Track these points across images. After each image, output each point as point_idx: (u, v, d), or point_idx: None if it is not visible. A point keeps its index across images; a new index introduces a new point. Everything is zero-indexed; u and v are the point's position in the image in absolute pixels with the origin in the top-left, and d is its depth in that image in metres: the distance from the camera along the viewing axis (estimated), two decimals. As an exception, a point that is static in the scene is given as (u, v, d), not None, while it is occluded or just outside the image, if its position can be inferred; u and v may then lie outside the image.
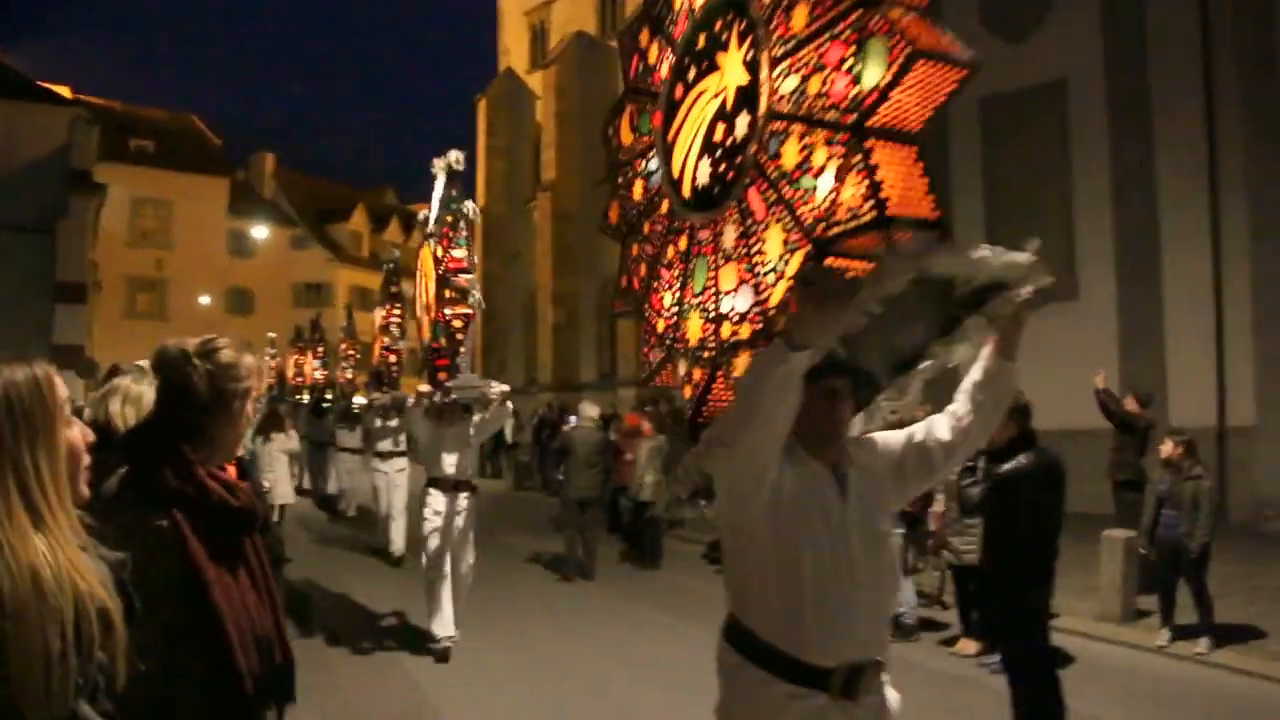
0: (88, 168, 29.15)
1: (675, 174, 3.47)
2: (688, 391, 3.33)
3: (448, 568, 8.19)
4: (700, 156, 3.30)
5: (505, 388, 8.60)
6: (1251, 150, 14.89)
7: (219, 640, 2.03)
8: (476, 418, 8.47)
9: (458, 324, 8.55)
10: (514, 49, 40.82)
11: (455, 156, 9.05)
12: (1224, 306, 15.36)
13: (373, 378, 14.98)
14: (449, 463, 8.30)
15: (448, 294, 8.62)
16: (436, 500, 8.24)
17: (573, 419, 14.41)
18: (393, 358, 14.08)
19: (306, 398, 21.22)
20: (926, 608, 9.53)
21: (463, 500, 8.30)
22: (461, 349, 8.58)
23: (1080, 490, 14.75)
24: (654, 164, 3.69)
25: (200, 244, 44.06)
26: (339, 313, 46.38)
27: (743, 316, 3.01)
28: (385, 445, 13.51)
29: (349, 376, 17.73)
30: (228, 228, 46.63)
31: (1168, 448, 8.25)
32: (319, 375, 21.15)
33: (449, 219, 8.85)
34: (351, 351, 18.41)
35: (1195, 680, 7.45)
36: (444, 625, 8.08)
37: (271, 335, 26.68)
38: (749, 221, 3.00)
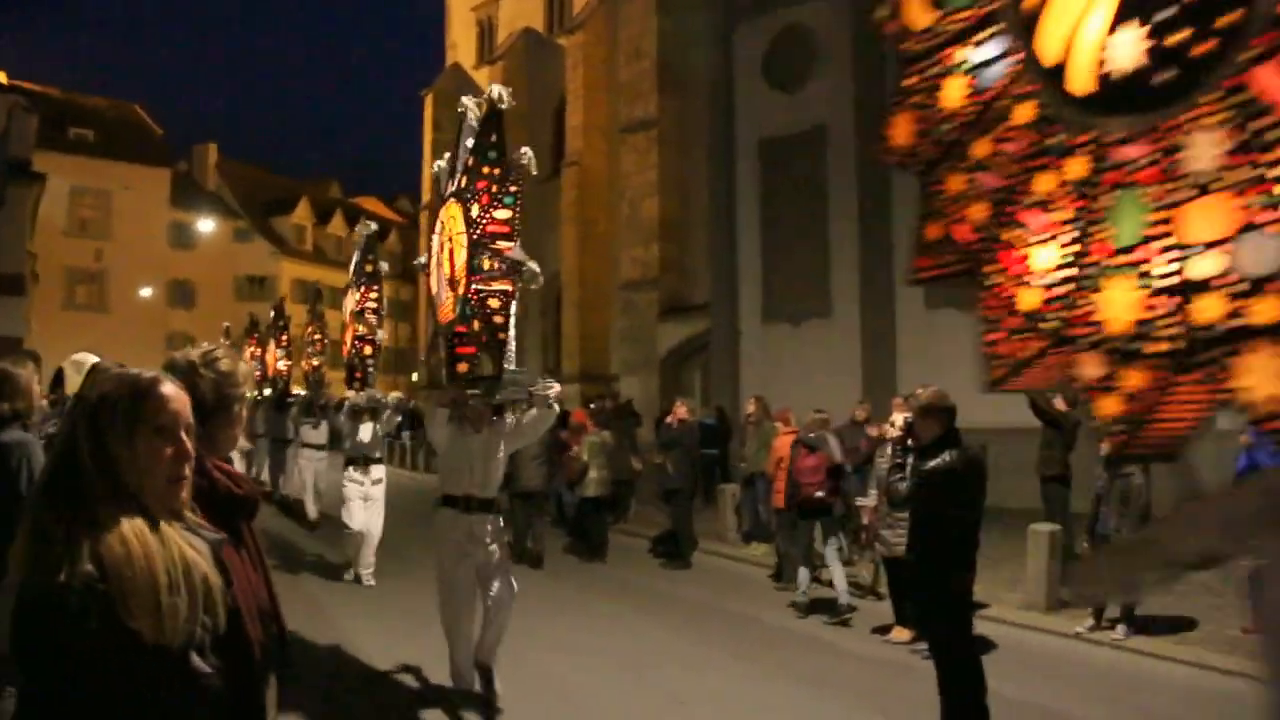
0: (26, 156, 28.74)
1: (1054, 57, 2.38)
2: (1112, 405, 2.40)
3: (466, 612, 6.78)
4: (1119, 21, 2.19)
5: (557, 387, 6.90)
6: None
7: (236, 612, 2.24)
8: (510, 419, 6.99)
9: (494, 303, 6.44)
10: (461, 44, 40.89)
11: (499, 92, 6.57)
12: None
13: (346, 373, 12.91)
14: (473, 477, 6.68)
15: (487, 264, 6.48)
16: (452, 524, 6.70)
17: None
18: (368, 349, 12.01)
19: (267, 391, 19.37)
20: (861, 598, 9.90)
21: (485, 526, 6.71)
22: (502, 334, 6.47)
23: (1010, 486, 15.34)
24: (989, 49, 2.60)
25: (141, 235, 43.35)
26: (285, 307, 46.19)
27: (1257, 284, 1.98)
28: (360, 452, 11.47)
29: (315, 364, 16.36)
30: (169, 219, 45.95)
31: (1108, 446, 8.60)
32: (282, 366, 19.18)
33: (489, 171, 6.53)
34: (318, 337, 16.83)
35: (1111, 663, 7.86)
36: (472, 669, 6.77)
37: (226, 324, 26.14)
38: (1260, 123, 1.92)
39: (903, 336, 19.19)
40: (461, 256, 6.75)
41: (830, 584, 9.63)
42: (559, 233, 31.31)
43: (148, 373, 2.09)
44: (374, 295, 12.17)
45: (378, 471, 11.30)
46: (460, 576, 6.66)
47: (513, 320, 6.51)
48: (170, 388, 2.05)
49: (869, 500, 9.01)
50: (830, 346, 20.29)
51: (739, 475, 14.27)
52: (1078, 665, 7.76)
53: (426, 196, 40.66)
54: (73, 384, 6.62)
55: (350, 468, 11.24)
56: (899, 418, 8.68)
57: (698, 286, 25.45)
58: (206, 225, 45.37)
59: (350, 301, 12.59)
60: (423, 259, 7.89)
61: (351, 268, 13.02)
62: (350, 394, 12.09)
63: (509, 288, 6.48)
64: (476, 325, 6.52)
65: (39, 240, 33.15)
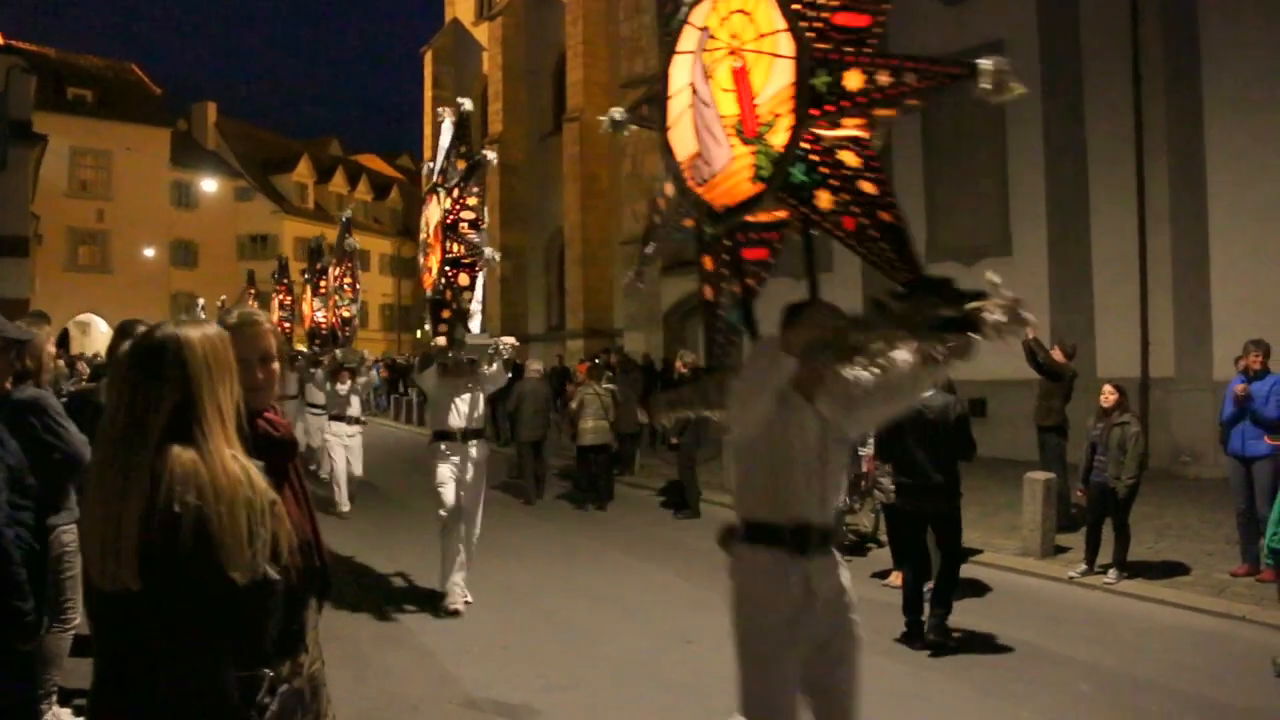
0: (26, 117, 28.77)
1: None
2: None
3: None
4: None
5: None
6: (1171, 118, 15.60)
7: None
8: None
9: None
10: (460, 0, 40.66)
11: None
12: (1147, 265, 16.10)
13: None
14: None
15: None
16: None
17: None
18: (346, 314, 13.70)
19: (302, 347, 17.53)
20: (864, 545, 10.20)
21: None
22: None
23: (1009, 436, 15.63)
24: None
25: (142, 195, 43.42)
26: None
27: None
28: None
29: (346, 315, 14.33)
30: (170, 179, 46.02)
31: (1105, 396, 8.86)
32: (321, 318, 15.94)
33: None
34: (350, 280, 14.31)
35: (1103, 606, 8.12)
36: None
37: (223, 297, 26.13)
38: None
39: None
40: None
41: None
42: (561, 188, 31.38)
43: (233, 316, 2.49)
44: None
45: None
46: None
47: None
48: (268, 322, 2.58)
49: (867, 449, 9.24)
50: (832, 298, 20.36)
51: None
52: (1071, 608, 8.02)
53: (428, 154, 40.59)
54: (78, 344, 6.85)
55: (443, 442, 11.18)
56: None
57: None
58: (209, 185, 45.39)
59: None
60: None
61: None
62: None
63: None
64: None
65: (41, 202, 33.24)
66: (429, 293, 8.56)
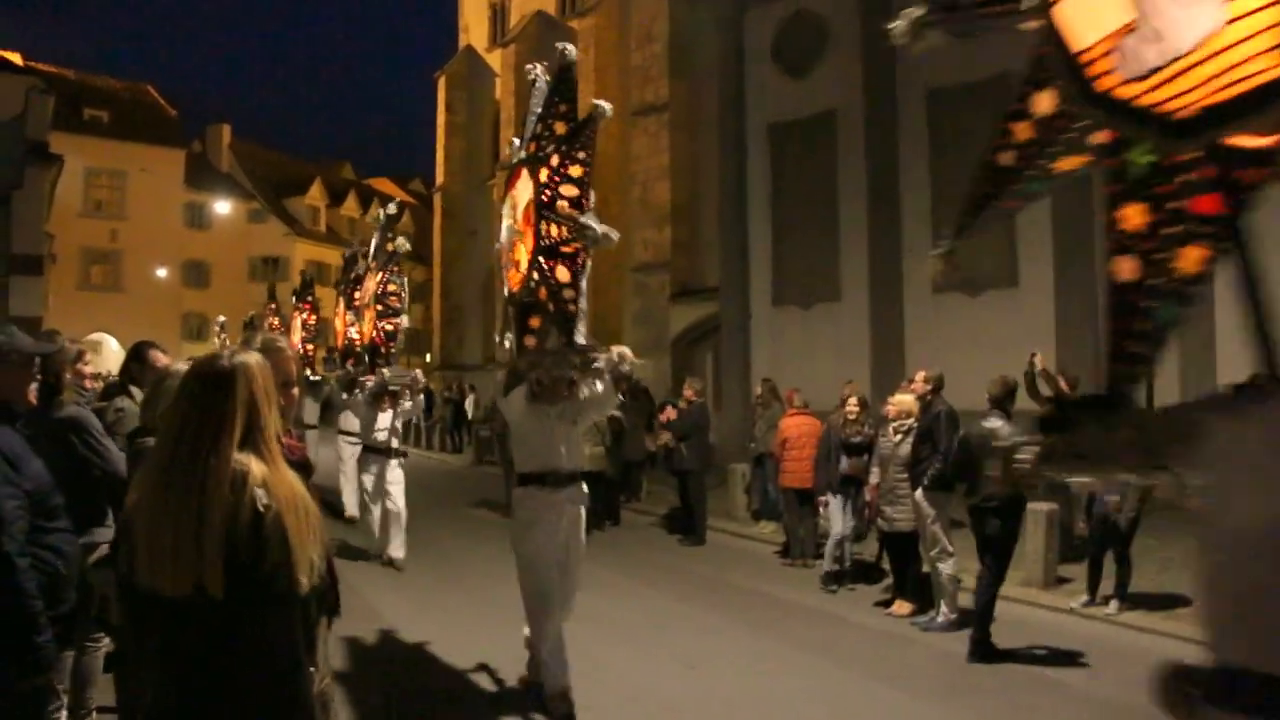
0: (43, 138, 29.02)
1: None
2: None
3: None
4: None
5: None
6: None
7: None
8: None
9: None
10: (474, 27, 41.02)
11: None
12: (1153, 297, 16.16)
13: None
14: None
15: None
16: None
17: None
18: (390, 327, 11.51)
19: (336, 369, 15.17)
20: (865, 575, 10.26)
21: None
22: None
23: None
24: None
25: (155, 216, 43.67)
26: (295, 286, 46.53)
27: None
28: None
29: (389, 328, 11.78)
30: (183, 200, 46.31)
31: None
32: (355, 334, 13.18)
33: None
34: (394, 287, 11.98)
35: (1103, 636, 8.16)
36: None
37: (221, 319, 25.70)
38: None
39: (910, 320, 19.44)
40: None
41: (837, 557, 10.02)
42: (571, 215, 31.57)
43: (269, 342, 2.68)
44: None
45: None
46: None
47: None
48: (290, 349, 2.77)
49: (872, 478, 9.32)
50: (839, 330, 20.55)
51: (749, 455, 14.58)
52: (1073, 639, 8.05)
53: (440, 179, 40.91)
54: (93, 365, 6.99)
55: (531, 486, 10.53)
56: (900, 399, 9.02)
57: (709, 269, 25.67)
58: (223, 207, 45.73)
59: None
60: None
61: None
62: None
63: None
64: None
65: (55, 221, 33.47)
66: (514, 293, 6.62)
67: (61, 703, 4.93)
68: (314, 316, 18.22)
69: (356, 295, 13.37)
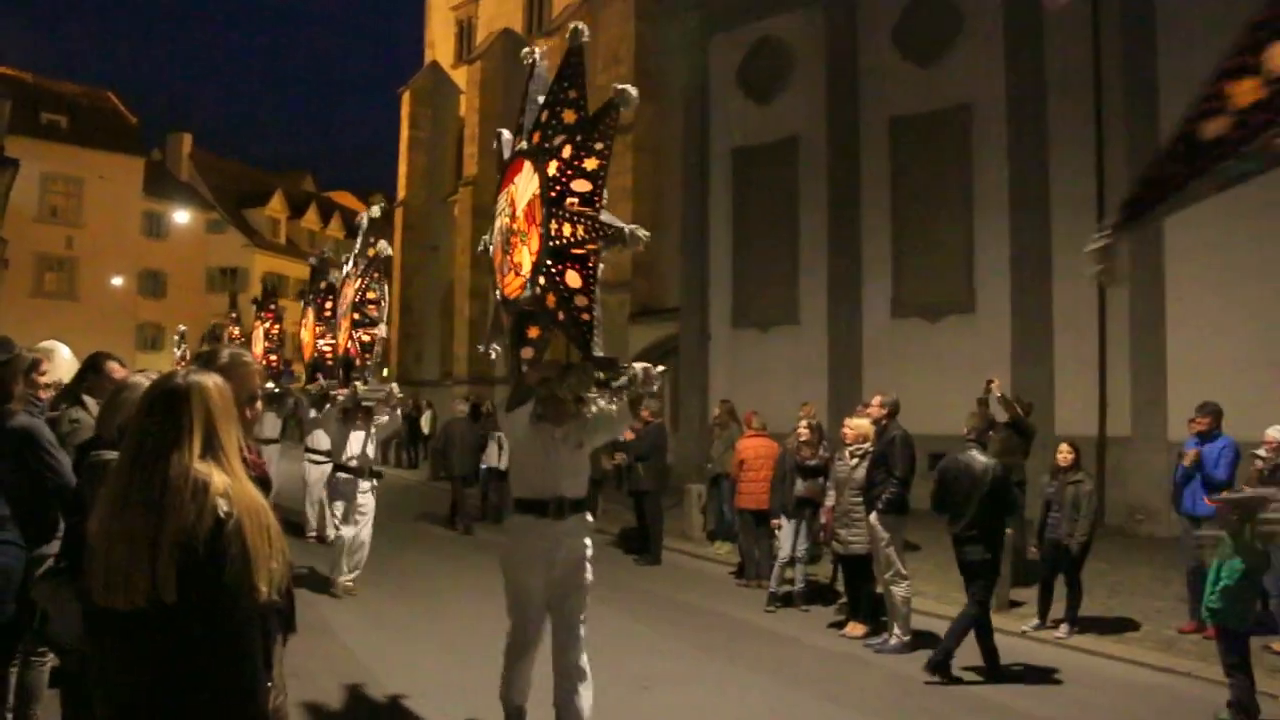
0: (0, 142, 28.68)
1: None
2: None
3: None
4: None
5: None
6: (1132, 181, 15.99)
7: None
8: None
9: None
10: (440, 43, 40.99)
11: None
12: (1106, 327, 16.44)
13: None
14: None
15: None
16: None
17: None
18: (367, 337, 10.64)
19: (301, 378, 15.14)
20: (820, 597, 10.31)
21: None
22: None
23: (968, 492, 15.71)
24: None
25: (113, 224, 43.13)
26: (253, 296, 46.13)
27: None
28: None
29: (366, 339, 10.79)
30: (142, 208, 45.79)
31: (1062, 455, 9.06)
32: (326, 346, 12.28)
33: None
34: (373, 295, 10.95)
35: (1054, 659, 8.22)
36: None
37: (182, 328, 24.96)
38: None
39: (868, 344, 19.63)
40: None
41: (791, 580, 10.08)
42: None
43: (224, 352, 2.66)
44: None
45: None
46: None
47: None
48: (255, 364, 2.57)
49: (827, 500, 9.40)
50: (797, 352, 20.69)
51: (706, 476, 14.61)
52: (1023, 661, 8.14)
53: (402, 193, 40.79)
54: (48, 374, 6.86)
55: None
56: (856, 423, 9.11)
57: (669, 290, 25.77)
58: (181, 216, 45.25)
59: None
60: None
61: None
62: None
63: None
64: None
65: (9, 226, 32.95)
66: (510, 299, 5.77)
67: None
68: (277, 326, 17.03)
69: (328, 305, 12.32)
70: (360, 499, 10.23)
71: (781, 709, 6.90)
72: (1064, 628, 8.74)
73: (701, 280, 23.29)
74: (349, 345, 10.79)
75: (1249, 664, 6.54)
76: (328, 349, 11.96)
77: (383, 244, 10.78)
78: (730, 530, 13.13)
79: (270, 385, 13.90)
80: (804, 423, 10.29)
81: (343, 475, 10.39)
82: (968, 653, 8.30)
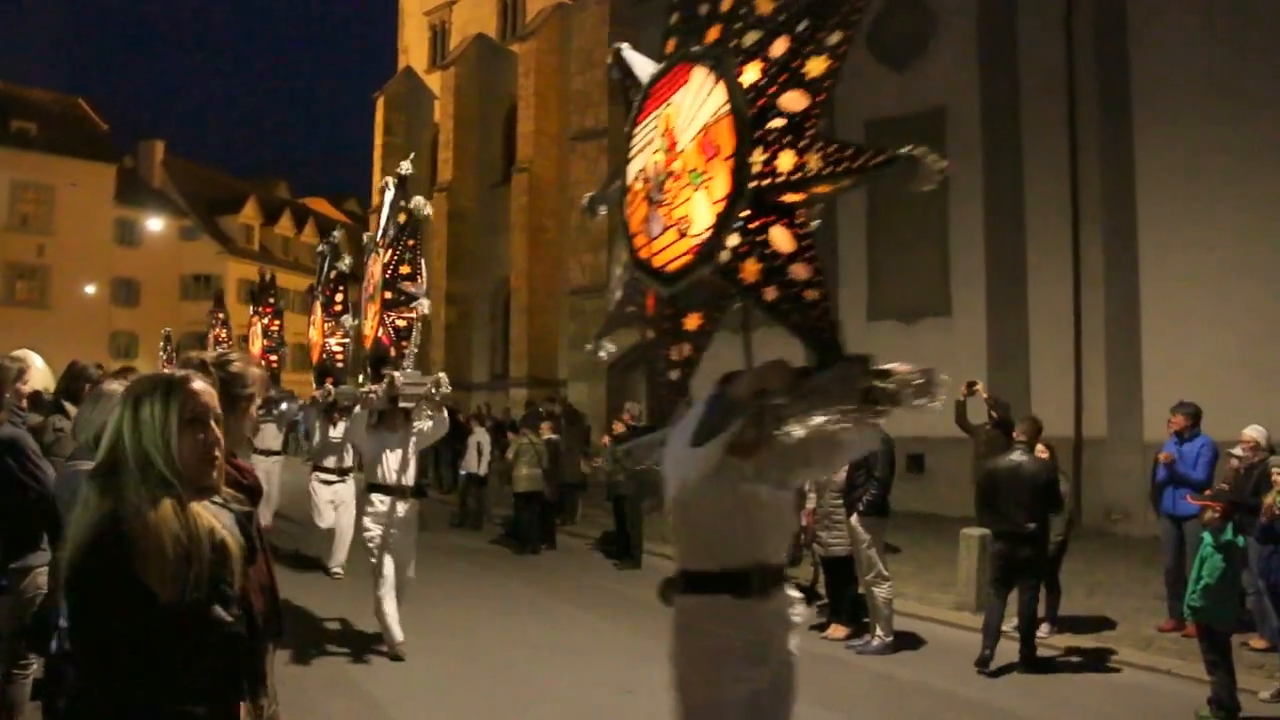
0: (-32, 150, 28.48)
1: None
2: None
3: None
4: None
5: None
6: (1106, 185, 16.15)
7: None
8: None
9: (401, 324, 9.07)
10: (414, 48, 40.87)
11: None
12: (1082, 328, 16.56)
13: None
14: (392, 469, 8.37)
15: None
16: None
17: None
18: (402, 322, 9.09)
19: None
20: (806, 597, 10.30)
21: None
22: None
23: (946, 492, 15.88)
24: None
25: (84, 232, 42.83)
26: (228, 305, 45.80)
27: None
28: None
29: (402, 324, 9.14)
30: (114, 216, 45.48)
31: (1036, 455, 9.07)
32: (338, 346, 11.98)
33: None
34: (408, 269, 9.44)
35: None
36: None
37: (166, 330, 24.20)
38: None
39: (845, 347, 19.65)
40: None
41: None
42: (508, 238, 31.51)
43: (180, 371, 2.42)
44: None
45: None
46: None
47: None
48: (200, 383, 2.36)
49: (808, 503, 9.41)
50: (774, 355, 20.65)
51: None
52: (1004, 661, 8.17)
53: (376, 200, 40.57)
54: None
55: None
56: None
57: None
58: (154, 224, 44.96)
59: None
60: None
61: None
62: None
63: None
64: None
65: (-22, 234, 32.72)
66: (658, 270, 4.04)
67: None
68: (277, 322, 14.80)
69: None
70: (398, 527, 8.29)
71: (765, 712, 6.89)
72: (1045, 627, 8.77)
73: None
74: (380, 333, 9.13)
75: (1230, 661, 6.60)
76: (339, 349, 11.49)
77: (417, 200, 8.86)
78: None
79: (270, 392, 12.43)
80: None
81: (378, 498, 8.32)
82: (949, 655, 8.35)
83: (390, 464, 8.23)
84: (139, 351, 44.34)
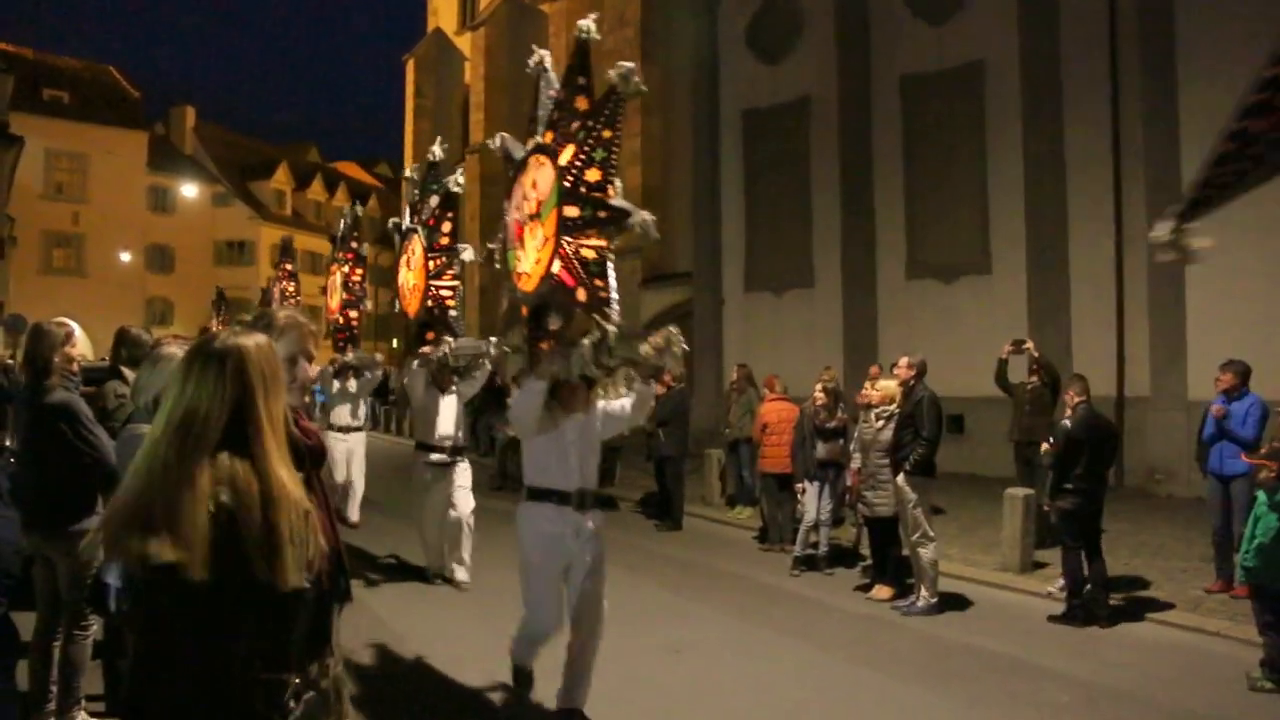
0: (2, 118, 28.54)
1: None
2: None
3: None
4: None
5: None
6: (1149, 141, 15.82)
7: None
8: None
9: (590, 255, 5.24)
10: (443, 9, 40.76)
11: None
12: (1124, 286, 16.33)
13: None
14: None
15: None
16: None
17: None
18: (447, 291, 9.35)
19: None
20: (844, 560, 10.32)
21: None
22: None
23: (987, 453, 15.79)
24: None
25: (118, 199, 43.07)
26: (260, 270, 46.09)
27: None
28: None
29: (446, 293, 9.47)
30: (147, 183, 45.69)
31: (1067, 413, 8.96)
32: (353, 316, 12.32)
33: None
34: (447, 240, 9.61)
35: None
36: None
37: (220, 288, 22.59)
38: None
39: (883, 306, 19.56)
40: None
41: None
42: (542, 200, 31.47)
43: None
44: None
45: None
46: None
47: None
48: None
49: (853, 463, 9.36)
50: (812, 315, 20.63)
51: (724, 441, 14.58)
52: (1048, 622, 8.13)
53: (409, 163, 40.58)
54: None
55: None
56: (884, 384, 9.05)
57: (681, 255, 25.69)
58: (187, 190, 45.16)
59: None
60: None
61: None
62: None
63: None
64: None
65: (15, 203, 32.92)
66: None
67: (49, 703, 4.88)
68: (359, 271, 12.77)
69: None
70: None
71: (813, 672, 6.90)
72: (1088, 587, 8.71)
73: (714, 244, 23.21)
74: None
75: (1284, 622, 6.52)
76: (448, 292, 10.16)
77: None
78: (750, 494, 13.13)
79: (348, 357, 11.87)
80: (819, 386, 10.26)
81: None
82: (994, 616, 8.33)
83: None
84: (174, 318, 44.72)
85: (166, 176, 46.45)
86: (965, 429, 17.09)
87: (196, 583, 2.04)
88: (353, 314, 12.23)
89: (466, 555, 9.17)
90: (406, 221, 10.20)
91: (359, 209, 13.10)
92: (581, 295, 5.18)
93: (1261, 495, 6.55)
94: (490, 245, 6.85)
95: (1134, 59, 16.19)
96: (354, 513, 11.45)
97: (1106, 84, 16.59)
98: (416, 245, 9.57)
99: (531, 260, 5.72)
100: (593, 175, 5.21)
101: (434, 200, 9.56)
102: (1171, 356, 15.41)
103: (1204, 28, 15.27)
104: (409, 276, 9.77)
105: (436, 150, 9.82)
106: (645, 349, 5.15)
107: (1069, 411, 8.57)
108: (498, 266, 6.64)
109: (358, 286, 12.33)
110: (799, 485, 10.15)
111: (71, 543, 4.61)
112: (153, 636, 2.15)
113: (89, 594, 4.31)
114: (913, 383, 8.69)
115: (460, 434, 9.30)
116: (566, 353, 5.24)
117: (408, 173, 10.52)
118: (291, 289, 16.35)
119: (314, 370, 3.00)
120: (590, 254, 5.19)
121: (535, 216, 5.73)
